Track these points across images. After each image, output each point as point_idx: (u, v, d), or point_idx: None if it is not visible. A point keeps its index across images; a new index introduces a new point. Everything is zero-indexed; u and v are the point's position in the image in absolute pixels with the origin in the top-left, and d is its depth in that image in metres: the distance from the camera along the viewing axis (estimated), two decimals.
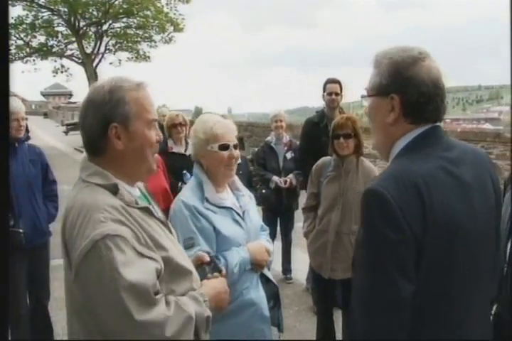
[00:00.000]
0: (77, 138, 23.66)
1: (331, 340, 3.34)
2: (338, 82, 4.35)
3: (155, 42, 20.71)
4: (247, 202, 2.11)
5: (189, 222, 1.86)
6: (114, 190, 1.30)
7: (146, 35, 20.49)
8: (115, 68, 21.70)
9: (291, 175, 4.68)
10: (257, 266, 1.99)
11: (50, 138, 22.92)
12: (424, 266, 1.19)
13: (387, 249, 1.17)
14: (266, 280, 2.07)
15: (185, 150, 4.26)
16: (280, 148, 4.81)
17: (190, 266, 1.44)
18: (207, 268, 1.63)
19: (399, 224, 1.15)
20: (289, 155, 4.78)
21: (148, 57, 21.55)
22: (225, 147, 1.98)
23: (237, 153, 2.01)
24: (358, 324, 1.25)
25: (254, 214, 2.13)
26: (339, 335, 3.38)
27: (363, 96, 1.43)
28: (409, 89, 1.27)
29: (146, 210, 1.36)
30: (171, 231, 1.48)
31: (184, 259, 1.43)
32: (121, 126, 1.32)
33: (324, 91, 4.35)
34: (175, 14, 19.67)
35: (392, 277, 1.17)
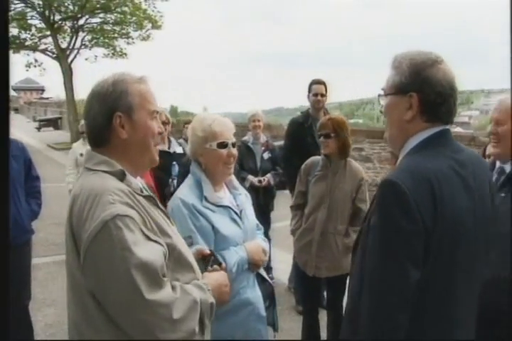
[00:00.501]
0: (49, 134, 23.31)
1: (316, 339, 3.36)
2: (323, 83, 4.37)
3: (132, 38, 20.45)
4: (244, 201, 2.12)
5: (188, 220, 1.84)
6: (121, 177, 1.34)
7: (124, 31, 20.14)
8: (91, 64, 21.35)
9: (268, 175, 4.68)
10: (253, 265, 2.00)
11: (22, 134, 22.35)
12: (431, 260, 1.26)
13: (402, 238, 1.23)
14: (262, 280, 2.07)
15: (169, 148, 4.25)
16: (257, 147, 4.79)
17: (192, 258, 1.46)
18: (207, 261, 1.63)
19: (413, 215, 1.22)
20: (266, 155, 4.78)
21: (125, 53, 21.26)
22: (223, 145, 1.97)
23: (235, 151, 2.01)
24: (364, 303, 1.31)
25: (251, 213, 2.13)
26: (323, 335, 3.40)
27: (380, 95, 1.50)
28: (427, 89, 1.36)
29: (151, 199, 1.39)
30: (172, 224, 1.49)
31: (187, 251, 1.45)
32: (125, 116, 1.37)
33: (309, 92, 4.37)
34: (153, 11, 19.46)
35: (404, 265, 1.24)
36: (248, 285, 1.97)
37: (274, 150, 4.82)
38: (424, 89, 1.36)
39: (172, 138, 4.45)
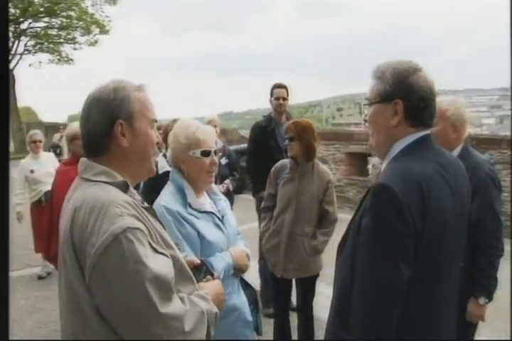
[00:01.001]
0: None
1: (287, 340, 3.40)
2: (284, 87, 4.43)
3: (79, 44, 19.85)
4: (225, 206, 2.12)
5: (173, 227, 1.81)
6: (124, 188, 1.30)
7: (70, 36, 19.54)
8: (35, 70, 20.61)
9: (227, 181, 4.64)
10: (238, 270, 2.00)
11: None
12: (420, 257, 1.33)
13: (394, 238, 1.30)
14: (245, 285, 2.08)
15: None
16: None
17: (188, 269, 1.44)
18: (199, 271, 1.61)
19: (405, 217, 1.28)
20: (223, 161, 4.72)
21: (71, 59, 20.62)
22: (206, 153, 1.96)
23: (217, 159, 2.01)
24: (356, 301, 1.36)
25: (232, 218, 2.13)
26: (294, 336, 3.45)
27: (364, 105, 1.56)
28: (411, 95, 1.43)
29: (150, 211, 1.35)
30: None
31: (185, 262, 1.43)
32: (126, 123, 1.33)
33: (271, 96, 4.41)
34: (101, 16, 19.00)
35: (397, 264, 1.30)
36: (233, 290, 1.97)
37: (230, 156, 4.81)
38: (408, 96, 1.43)
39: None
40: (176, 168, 2.01)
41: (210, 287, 1.52)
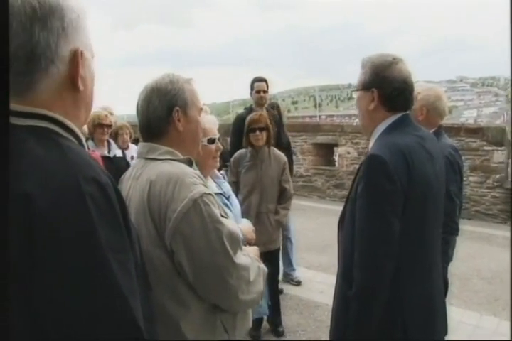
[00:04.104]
0: None
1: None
2: (264, 80, 4.66)
3: None
4: (229, 188, 2.33)
5: None
6: (189, 164, 1.53)
7: None
8: None
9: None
10: (247, 244, 2.22)
11: None
12: (407, 213, 1.58)
13: (385, 196, 1.56)
14: None
15: (109, 152, 4.30)
16: None
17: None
18: None
19: (393, 179, 1.55)
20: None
21: None
22: (212, 140, 2.15)
23: (220, 145, 2.22)
24: (356, 257, 1.58)
25: (235, 198, 2.36)
26: None
27: (352, 91, 1.86)
28: (384, 85, 1.70)
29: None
30: None
31: None
32: (181, 110, 1.55)
33: (252, 90, 4.64)
34: None
35: (387, 216, 1.56)
36: None
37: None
38: (382, 86, 1.70)
39: (111, 141, 4.48)
40: None
41: (252, 251, 1.72)
